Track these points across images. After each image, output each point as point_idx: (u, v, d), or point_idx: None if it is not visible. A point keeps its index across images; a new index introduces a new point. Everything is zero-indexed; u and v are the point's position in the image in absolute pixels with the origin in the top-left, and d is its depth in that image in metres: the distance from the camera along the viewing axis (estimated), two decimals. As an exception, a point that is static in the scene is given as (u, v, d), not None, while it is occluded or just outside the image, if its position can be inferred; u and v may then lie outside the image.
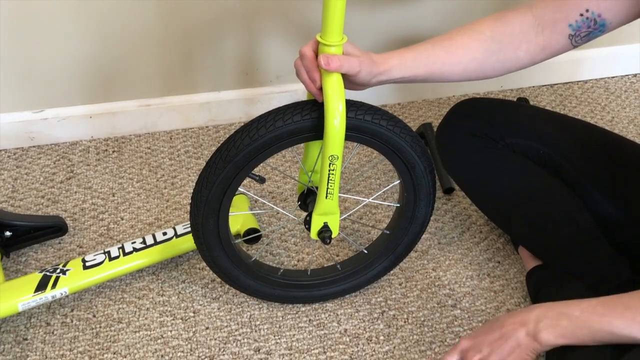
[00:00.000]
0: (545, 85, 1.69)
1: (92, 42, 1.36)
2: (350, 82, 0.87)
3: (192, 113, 1.52)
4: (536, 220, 1.09)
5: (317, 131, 0.88)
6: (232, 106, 1.53)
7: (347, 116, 0.86)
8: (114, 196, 1.35)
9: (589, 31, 0.91)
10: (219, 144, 0.92)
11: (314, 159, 0.97)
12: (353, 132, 0.90)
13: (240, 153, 0.88)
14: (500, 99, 1.21)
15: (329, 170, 0.88)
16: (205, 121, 1.54)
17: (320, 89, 0.84)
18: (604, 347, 0.88)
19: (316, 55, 0.84)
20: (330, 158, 0.86)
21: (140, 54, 1.40)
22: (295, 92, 1.52)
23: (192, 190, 1.35)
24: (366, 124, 0.89)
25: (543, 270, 1.12)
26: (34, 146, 1.47)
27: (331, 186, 0.90)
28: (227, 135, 1.53)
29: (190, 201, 0.98)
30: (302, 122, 0.86)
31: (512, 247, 1.24)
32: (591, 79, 1.71)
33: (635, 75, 1.72)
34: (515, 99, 1.59)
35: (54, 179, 1.38)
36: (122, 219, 1.30)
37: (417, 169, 0.96)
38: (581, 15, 0.89)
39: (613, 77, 1.72)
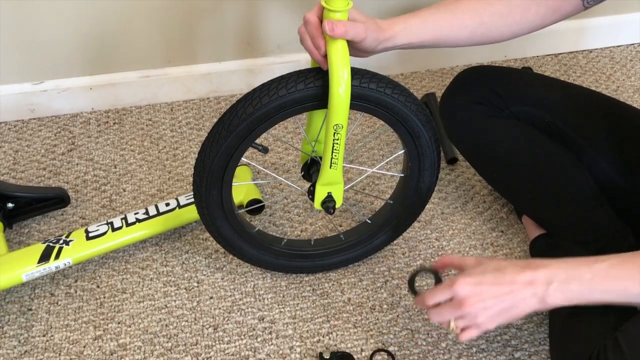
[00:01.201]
0: (549, 55, 1.67)
1: (92, 12, 1.34)
2: (355, 49, 0.85)
3: (193, 84, 1.50)
4: (540, 188, 1.08)
5: (321, 100, 0.87)
6: (233, 77, 1.51)
7: (351, 84, 0.84)
8: (115, 168, 1.34)
9: None
10: (222, 114, 0.91)
11: (317, 129, 0.96)
12: (357, 101, 0.88)
13: (244, 122, 0.86)
14: (504, 67, 1.20)
15: (334, 140, 0.86)
16: (207, 92, 1.52)
17: (325, 56, 0.82)
18: (608, 316, 0.88)
19: (321, 21, 0.82)
20: (335, 127, 0.85)
21: (141, 25, 1.38)
22: (297, 62, 1.51)
23: (194, 162, 1.34)
24: (371, 92, 0.88)
25: (546, 239, 1.12)
26: (34, 118, 1.46)
27: (335, 156, 0.89)
28: (229, 107, 1.52)
29: (192, 172, 0.97)
30: (306, 90, 0.85)
31: (515, 217, 1.24)
32: (596, 48, 1.68)
33: (630, 44, 1.70)
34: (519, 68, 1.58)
35: (55, 151, 1.38)
36: (125, 190, 1.29)
37: (422, 138, 0.95)
38: None
39: (618, 46, 1.69)
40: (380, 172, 1.08)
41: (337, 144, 0.87)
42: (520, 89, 1.11)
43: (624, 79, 1.59)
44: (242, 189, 1.20)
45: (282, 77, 0.87)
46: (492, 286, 0.80)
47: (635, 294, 0.77)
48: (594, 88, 1.56)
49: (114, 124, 1.45)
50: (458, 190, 1.30)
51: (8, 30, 1.32)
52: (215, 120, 1.46)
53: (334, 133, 0.85)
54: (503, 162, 1.10)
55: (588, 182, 1.05)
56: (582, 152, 1.07)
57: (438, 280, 0.88)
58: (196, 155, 1.36)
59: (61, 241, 1.08)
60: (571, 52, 1.68)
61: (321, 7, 0.81)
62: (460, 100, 1.12)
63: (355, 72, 0.87)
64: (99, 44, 1.39)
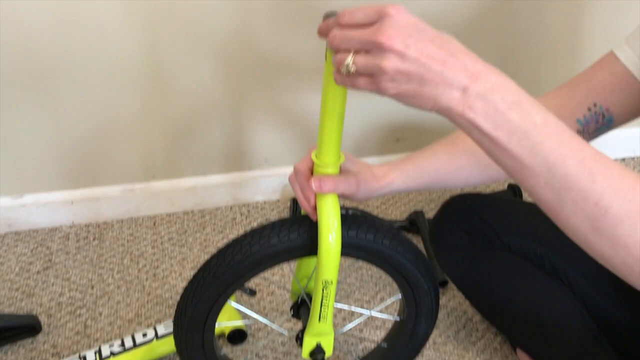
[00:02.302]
0: (536, 169, 1.67)
1: (75, 127, 1.32)
2: (348, 197, 0.82)
3: (178, 197, 1.47)
4: (533, 324, 1.04)
5: (312, 248, 0.82)
6: (219, 190, 1.49)
7: (347, 235, 0.81)
8: (92, 289, 1.28)
9: (597, 127, 0.88)
10: (208, 258, 0.86)
11: (307, 271, 0.91)
12: (353, 250, 0.84)
13: (231, 269, 0.82)
14: (495, 195, 1.19)
15: (323, 295, 0.82)
16: (191, 205, 1.49)
17: (315, 207, 0.78)
18: None
19: (311, 172, 0.79)
20: (324, 283, 0.81)
21: (125, 139, 1.36)
22: (284, 175, 1.49)
23: (174, 282, 1.29)
24: (368, 244, 0.83)
25: (543, 377, 1.07)
26: (11, 232, 1.41)
27: (325, 310, 0.84)
28: (213, 220, 1.49)
29: (172, 294, 0.91)
30: (298, 239, 0.81)
31: (509, 347, 1.19)
32: (581, 163, 1.69)
33: (623, 159, 1.71)
34: (506, 185, 1.57)
35: (31, 269, 1.32)
36: (101, 314, 1.23)
37: (420, 287, 0.91)
38: (589, 109, 0.87)
39: (603, 160, 1.71)
40: (376, 314, 1.04)
41: (326, 298, 0.82)
42: (511, 219, 1.09)
43: (611, 195, 1.59)
44: (224, 316, 1.14)
45: (274, 223, 0.82)
46: (429, 42, 0.58)
47: (571, 170, 0.57)
48: (581, 205, 1.55)
49: (94, 239, 1.40)
50: (450, 317, 1.25)
51: (-10, 145, 1.30)
52: (198, 235, 1.43)
53: (323, 289, 0.81)
54: (494, 297, 1.07)
55: (584, 318, 1.01)
56: (576, 285, 1.04)
57: None
58: (177, 275, 1.32)
59: (28, 380, 1.01)
60: (557, 167, 1.68)
61: (311, 158, 0.77)
62: (449, 230, 1.09)
63: (352, 222, 0.83)
64: (82, 158, 1.37)
